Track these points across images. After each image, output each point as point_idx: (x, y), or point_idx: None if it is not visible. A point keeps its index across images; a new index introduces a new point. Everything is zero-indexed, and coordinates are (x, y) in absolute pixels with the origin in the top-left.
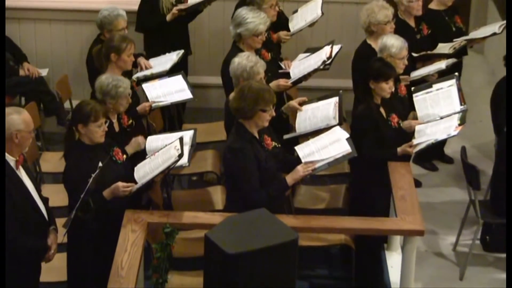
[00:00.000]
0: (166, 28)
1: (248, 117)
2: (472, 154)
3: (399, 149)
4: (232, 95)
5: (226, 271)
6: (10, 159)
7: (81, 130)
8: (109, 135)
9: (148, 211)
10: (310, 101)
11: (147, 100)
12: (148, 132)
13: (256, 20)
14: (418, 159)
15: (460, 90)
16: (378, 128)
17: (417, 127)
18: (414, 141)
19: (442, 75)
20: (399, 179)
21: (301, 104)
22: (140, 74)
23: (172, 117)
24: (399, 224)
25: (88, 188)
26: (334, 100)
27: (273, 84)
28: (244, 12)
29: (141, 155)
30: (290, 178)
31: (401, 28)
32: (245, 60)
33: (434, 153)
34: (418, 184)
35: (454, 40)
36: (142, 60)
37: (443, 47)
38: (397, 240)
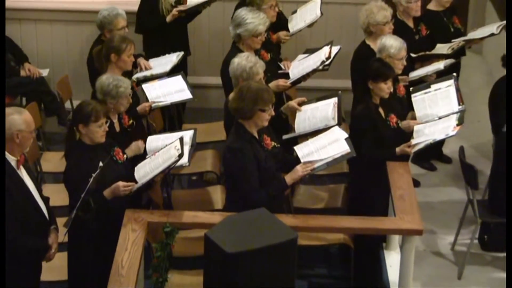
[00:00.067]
0: (165, 29)
1: (247, 117)
2: (470, 154)
3: (397, 149)
4: (231, 95)
5: (226, 270)
6: (11, 159)
7: (82, 130)
8: (109, 135)
9: (148, 210)
10: (309, 102)
11: (147, 100)
12: (148, 132)
13: (255, 20)
14: (417, 159)
15: (458, 90)
16: (377, 128)
17: (416, 127)
18: (413, 141)
19: (441, 76)
20: (397, 179)
21: (300, 104)
22: (140, 74)
23: (172, 117)
24: (397, 224)
25: (89, 188)
26: (333, 100)
27: (272, 84)
28: (244, 13)
29: (142, 155)
30: (289, 178)
31: (399, 29)
32: (244, 60)
33: (433, 153)
34: (416, 183)
35: (453, 40)
36: (141, 61)
37: (442, 48)
38: (396, 239)
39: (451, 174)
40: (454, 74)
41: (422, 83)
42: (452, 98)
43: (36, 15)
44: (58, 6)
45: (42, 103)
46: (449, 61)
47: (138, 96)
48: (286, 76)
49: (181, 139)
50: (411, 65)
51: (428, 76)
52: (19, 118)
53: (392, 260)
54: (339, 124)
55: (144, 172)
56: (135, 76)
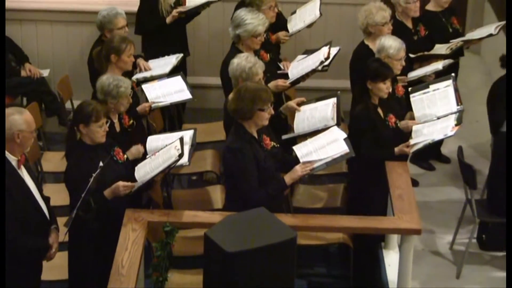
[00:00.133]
0: (164, 30)
1: (247, 118)
2: (468, 154)
3: (396, 149)
4: (230, 97)
5: (225, 270)
6: (12, 158)
7: (82, 130)
8: (110, 135)
9: (148, 210)
10: (308, 102)
11: (147, 100)
12: (148, 132)
13: (254, 21)
14: (415, 158)
15: (456, 90)
16: (376, 128)
17: (414, 127)
18: (411, 141)
19: (439, 76)
20: (396, 179)
21: (300, 104)
22: (139, 75)
23: (172, 117)
24: (396, 223)
25: (89, 187)
26: (332, 101)
27: (271, 84)
28: (243, 14)
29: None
30: (288, 178)
31: (398, 29)
32: (244, 61)
33: (431, 153)
34: (415, 183)
35: (451, 41)
36: (141, 62)
37: (440, 48)
38: (395, 238)
39: (449, 174)
40: (453, 74)
41: (421, 83)
42: (450, 98)
43: (37, 16)
44: (59, 7)
45: (42, 103)
46: (447, 62)
47: (138, 96)
48: (285, 76)
49: (181, 139)
50: (410, 65)
51: (426, 77)
52: (20, 118)
53: (391, 260)
54: (338, 124)
55: (144, 171)
56: (135, 77)
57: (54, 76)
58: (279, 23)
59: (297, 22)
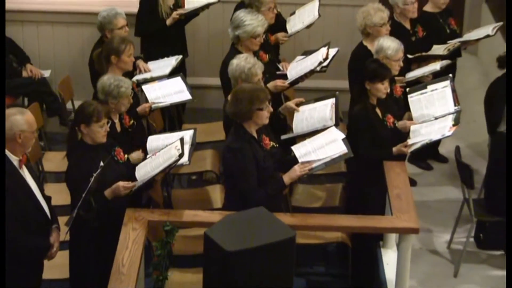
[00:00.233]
0: (164, 32)
1: (247, 119)
2: (466, 153)
3: (394, 149)
4: (228, 98)
5: (225, 268)
6: (14, 158)
7: (83, 130)
8: (111, 135)
9: (149, 209)
10: (307, 102)
11: (147, 101)
12: (148, 132)
13: (254, 22)
14: (413, 158)
15: (454, 91)
16: (374, 128)
17: (412, 127)
18: (409, 141)
19: (437, 76)
20: (394, 178)
21: (298, 105)
22: (139, 76)
23: (172, 117)
24: (394, 222)
25: (90, 187)
26: (331, 101)
27: (270, 85)
28: (242, 15)
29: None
30: (287, 177)
31: (396, 30)
32: (243, 61)
33: (429, 153)
34: (413, 183)
35: (448, 42)
36: (140, 63)
37: (438, 49)
38: (393, 238)
39: (447, 173)
40: (450, 75)
41: (419, 84)
42: (448, 98)
43: (38, 17)
44: (60, 8)
45: (44, 103)
46: (445, 62)
47: (138, 97)
48: (284, 77)
49: (182, 140)
50: (408, 66)
51: (424, 77)
52: (21, 118)
53: (389, 258)
54: (336, 124)
55: (144, 171)
56: (135, 78)
57: (55, 77)
58: (278, 24)
59: (296, 23)
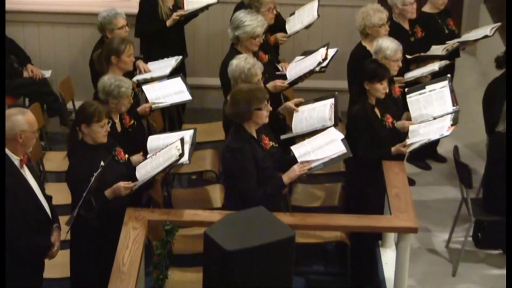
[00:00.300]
0: (163, 32)
1: (247, 119)
2: (464, 153)
3: (393, 149)
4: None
5: (225, 267)
6: (15, 158)
7: (84, 130)
8: (111, 135)
9: (149, 209)
10: (306, 102)
11: (147, 101)
12: (148, 132)
13: (253, 23)
14: (412, 158)
15: (452, 91)
16: (373, 128)
17: (411, 127)
18: (408, 141)
19: (435, 77)
20: (393, 178)
21: (298, 105)
22: (140, 77)
23: (172, 117)
24: (393, 222)
25: (90, 187)
26: (330, 101)
27: (269, 85)
28: (242, 15)
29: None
30: (286, 177)
31: (395, 31)
32: (243, 62)
33: (428, 153)
34: (411, 182)
35: (447, 42)
36: (140, 64)
37: (436, 49)
38: (392, 237)
39: (445, 173)
40: (449, 75)
41: (417, 84)
42: (446, 98)
43: (39, 18)
44: (60, 9)
45: (44, 103)
46: (443, 63)
47: (138, 97)
48: (283, 77)
49: (182, 140)
50: (407, 66)
51: (423, 77)
52: (22, 118)
53: (388, 258)
54: (335, 124)
55: (145, 171)
56: (135, 78)
57: (56, 77)
58: (278, 24)
59: (296, 23)
